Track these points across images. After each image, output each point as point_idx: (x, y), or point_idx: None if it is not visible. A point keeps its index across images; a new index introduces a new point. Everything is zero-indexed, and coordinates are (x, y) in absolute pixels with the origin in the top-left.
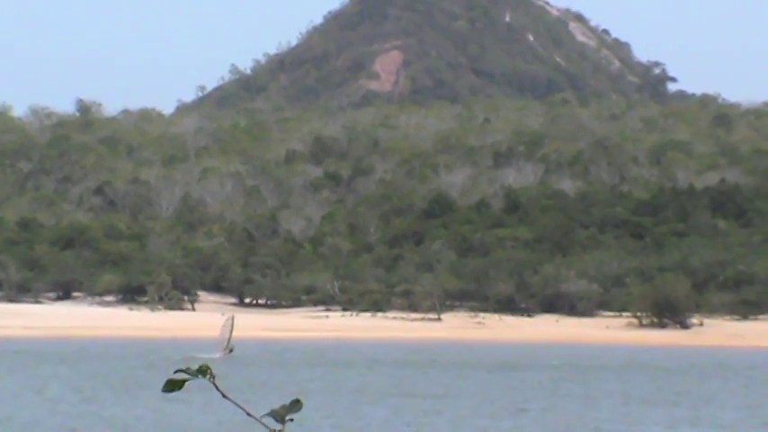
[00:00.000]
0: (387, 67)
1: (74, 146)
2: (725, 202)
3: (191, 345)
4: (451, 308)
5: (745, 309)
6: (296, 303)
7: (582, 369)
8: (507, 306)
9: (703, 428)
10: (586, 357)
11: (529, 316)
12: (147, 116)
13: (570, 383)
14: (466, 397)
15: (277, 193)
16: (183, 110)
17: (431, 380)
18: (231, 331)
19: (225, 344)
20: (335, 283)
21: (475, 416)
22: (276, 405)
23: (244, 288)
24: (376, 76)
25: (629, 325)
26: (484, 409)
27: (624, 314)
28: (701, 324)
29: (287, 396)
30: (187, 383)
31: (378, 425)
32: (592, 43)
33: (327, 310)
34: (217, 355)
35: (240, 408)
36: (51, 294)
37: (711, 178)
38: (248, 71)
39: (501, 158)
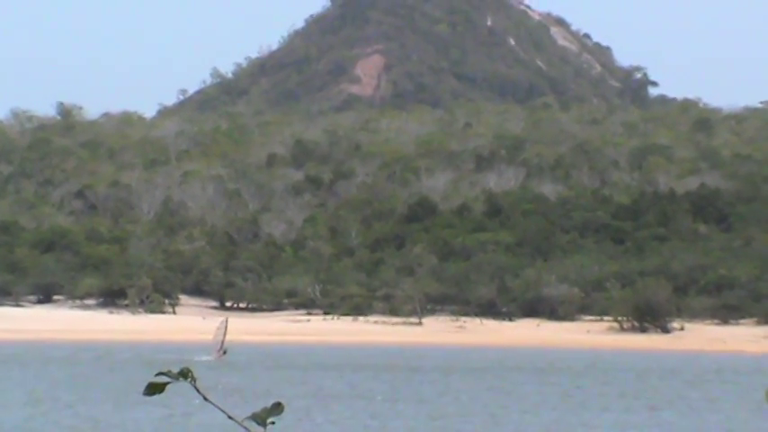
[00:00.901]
0: (368, 71)
1: (55, 149)
2: (706, 207)
3: (177, 348)
4: (433, 312)
5: (726, 313)
6: (277, 307)
7: (544, 372)
8: (488, 310)
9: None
10: (558, 360)
11: (510, 320)
12: (128, 120)
13: (529, 386)
14: (423, 400)
15: (258, 197)
16: (164, 113)
17: (393, 383)
18: (225, 334)
19: (219, 346)
20: (317, 286)
21: (430, 418)
22: (225, 407)
23: (225, 292)
24: (357, 80)
25: (610, 329)
26: (438, 411)
27: (605, 318)
28: (682, 328)
29: (243, 399)
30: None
31: (334, 427)
32: (573, 47)
33: (309, 313)
34: (210, 358)
35: (221, 411)
36: (32, 298)
37: (692, 183)
38: (230, 75)
39: (482, 162)
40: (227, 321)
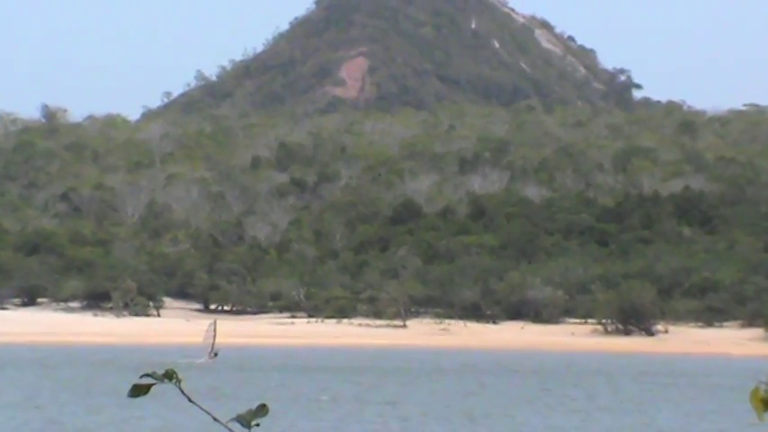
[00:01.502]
0: (352, 74)
1: (39, 152)
2: (690, 210)
3: (159, 351)
4: (417, 314)
5: (710, 316)
6: (261, 310)
7: (518, 374)
8: (472, 313)
9: None
10: (536, 363)
11: (494, 323)
12: (112, 122)
13: (500, 388)
14: (392, 401)
15: (242, 200)
16: (148, 116)
17: (367, 385)
18: (215, 336)
19: (209, 349)
20: (301, 289)
21: (398, 419)
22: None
23: (209, 294)
24: (342, 83)
25: (594, 332)
26: (405, 413)
27: (589, 321)
28: (666, 331)
29: (213, 400)
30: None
31: (299, 429)
32: (557, 50)
33: (293, 316)
34: (202, 360)
35: (206, 412)
36: (16, 300)
37: (676, 185)
38: (214, 77)
39: (466, 165)
40: (215, 323)
